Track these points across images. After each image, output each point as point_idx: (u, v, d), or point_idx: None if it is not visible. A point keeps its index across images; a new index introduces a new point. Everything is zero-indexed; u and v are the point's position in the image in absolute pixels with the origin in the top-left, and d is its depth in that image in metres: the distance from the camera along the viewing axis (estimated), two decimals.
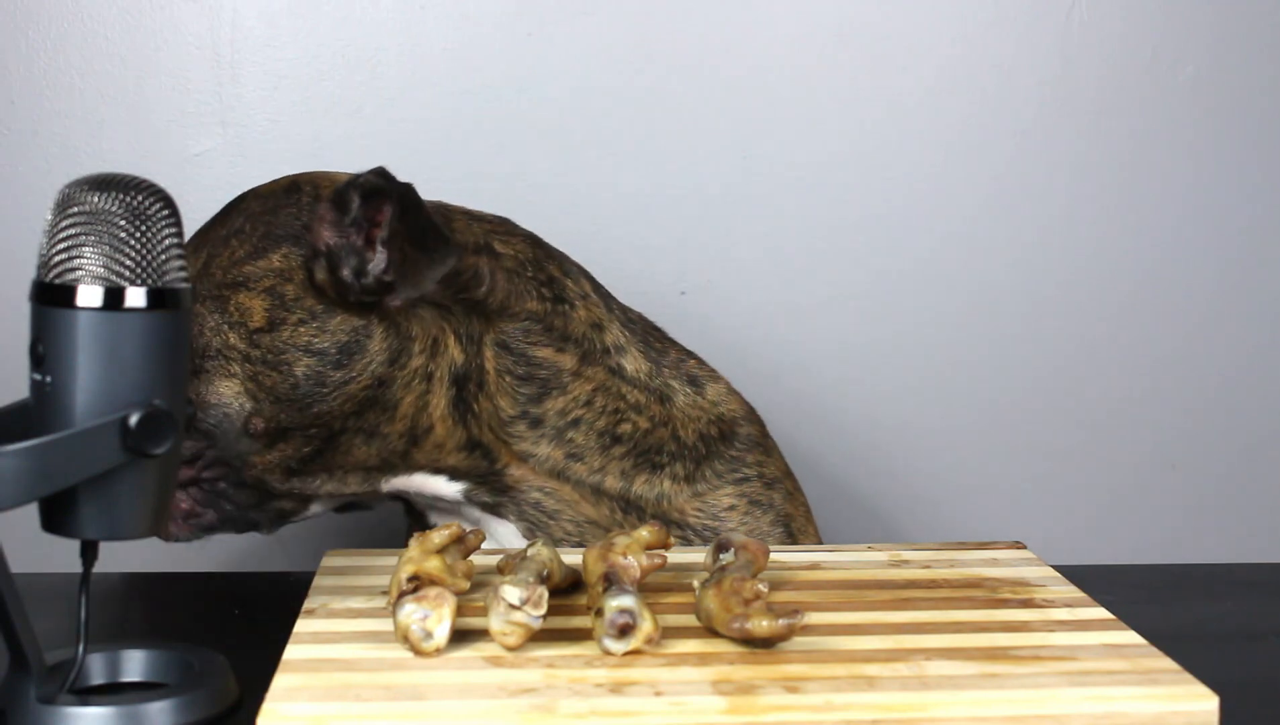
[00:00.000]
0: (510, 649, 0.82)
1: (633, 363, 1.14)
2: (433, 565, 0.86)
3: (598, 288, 1.16)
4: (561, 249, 1.19)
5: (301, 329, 1.02)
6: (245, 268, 1.03)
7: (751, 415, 1.19)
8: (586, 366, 1.11)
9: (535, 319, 1.10)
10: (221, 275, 1.04)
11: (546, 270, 1.13)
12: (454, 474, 1.09)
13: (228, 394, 1.02)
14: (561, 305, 1.12)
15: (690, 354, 1.19)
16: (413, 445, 1.07)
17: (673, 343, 1.19)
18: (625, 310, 1.17)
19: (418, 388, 1.05)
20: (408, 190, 1.02)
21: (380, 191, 1.01)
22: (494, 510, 1.11)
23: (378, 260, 1.02)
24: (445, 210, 1.11)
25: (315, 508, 1.09)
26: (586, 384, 1.11)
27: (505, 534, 1.12)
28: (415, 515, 1.18)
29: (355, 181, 1.02)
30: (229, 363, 1.02)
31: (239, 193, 1.10)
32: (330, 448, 1.05)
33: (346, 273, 1.02)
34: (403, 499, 1.14)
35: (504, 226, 1.14)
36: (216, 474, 1.04)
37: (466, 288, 1.07)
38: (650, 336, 1.17)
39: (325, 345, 1.02)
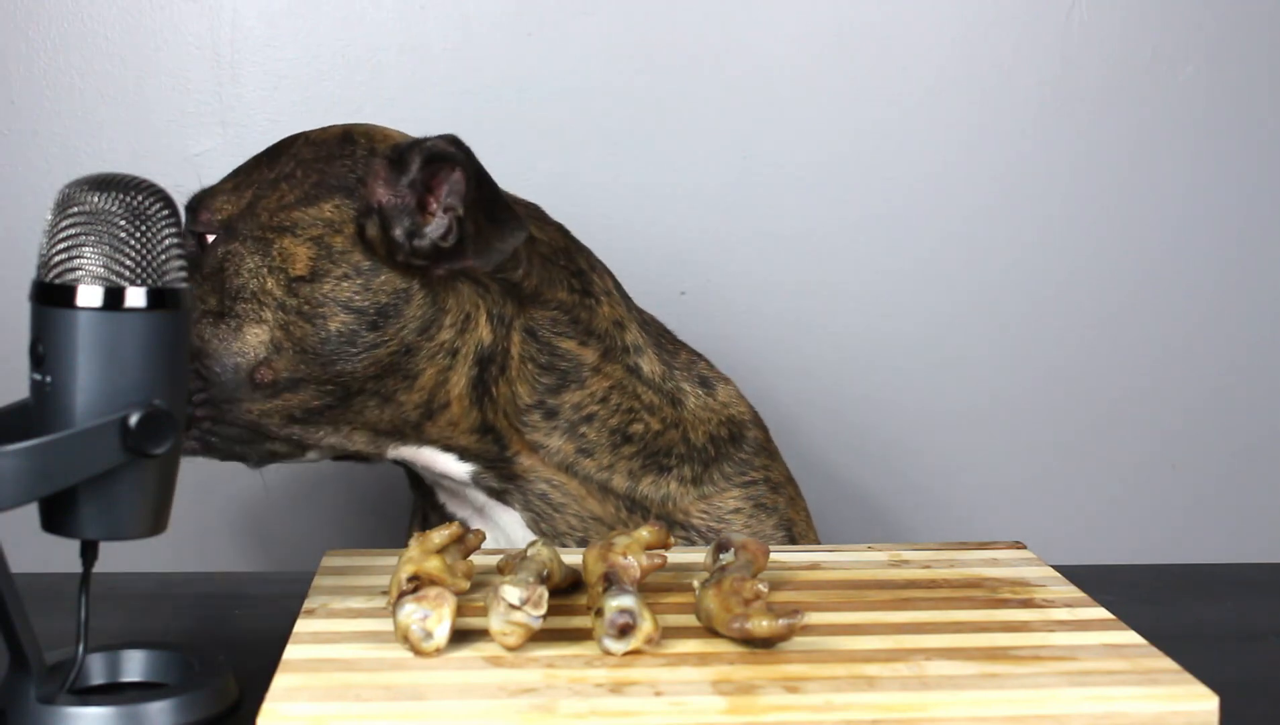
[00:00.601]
0: (510, 649, 0.82)
1: (649, 364, 1.13)
2: (433, 565, 0.86)
3: (619, 286, 1.16)
4: None
5: (345, 284, 1.02)
6: (294, 214, 1.03)
7: (757, 419, 1.19)
8: (606, 363, 1.11)
9: (564, 309, 1.10)
10: (268, 217, 1.03)
11: (576, 262, 1.13)
12: (464, 454, 1.09)
13: (252, 342, 1.01)
14: (588, 299, 1.12)
15: (700, 356, 1.19)
16: (426, 418, 1.06)
17: (683, 345, 1.19)
18: (641, 311, 1.18)
19: (441, 362, 1.05)
20: (476, 160, 1.02)
21: (443, 157, 1.02)
22: (500, 496, 1.11)
23: (436, 225, 1.02)
24: None
25: (312, 455, 1.08)
26: (604, 381, 1.11)
27: (509, 522, 1.11)
28: (422, 490, 1.18)
29: (420, 144, 1.02)
30: (261, 308, 1.01)
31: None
32: (343, 405, 1.04)
33: (399, 233, 1.02)
34: (409, 470, 1.14)
35: (537, 213, 1.15)
36: (205, 414, 1.03)
37: (504, 268, 1.07)
38: (663, 338, 1.18)
39: (365, 304, 1.02)
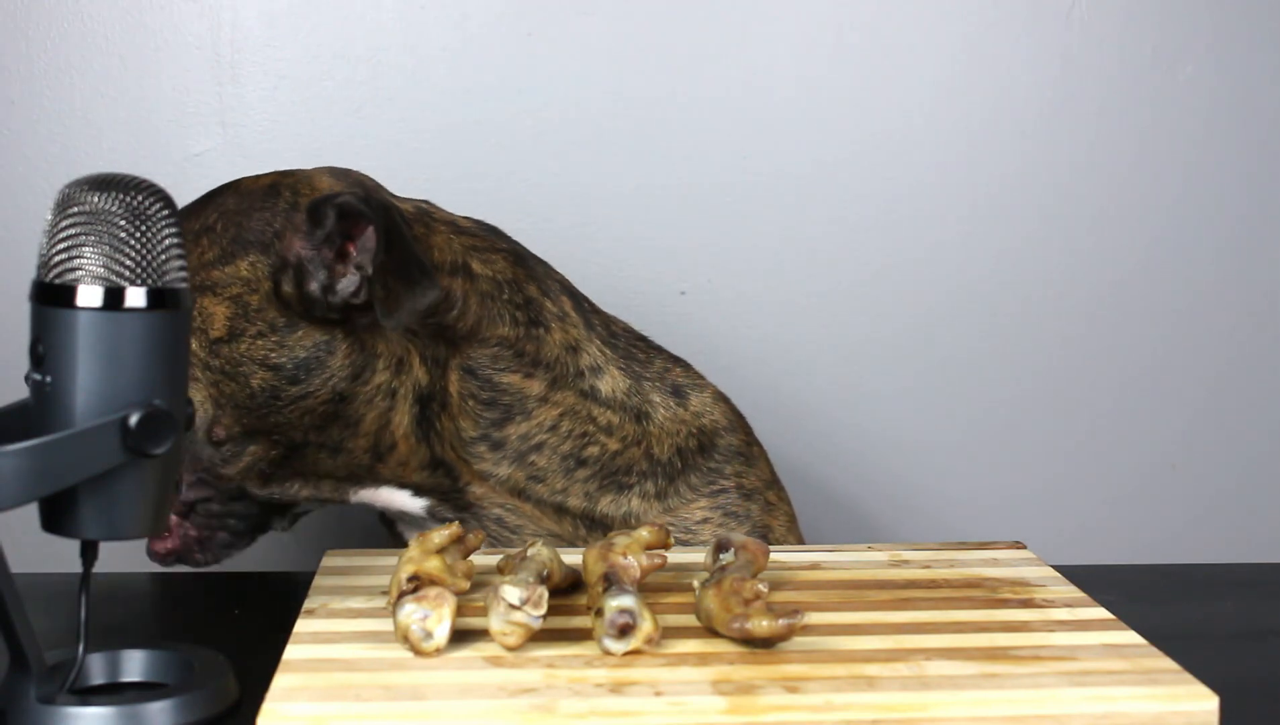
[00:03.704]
0: (510, 649, 0.82)
1: (609, 383, 1.12)
2: (433, 565, 0.86)
3: (579, 305, 1.14)
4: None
5: (260, 342, 1.01)
6: (213, 272, 1.02)
7: (736, 423, 1.18)
8: (556, 391, 1.10)
9: (506, 344, 1.08)
10: (189, 275, 1.02)
11: (524, 292, 1.11)
12: (418, 490, 1.09)
13: (197, 398, 1.01)
14: (536, 329, 1.10)
15: (676, 361, 1.17)
16: (378, 460, 1.06)
17: (659, 351, 1.17)
18: (609, 323, 1.16)
19: (380, 405, 1.04)
20: (390, 218, 1.00)
21: (356, 214, 1.00)
22: None
23: (348, 282, 1.01)
24: (428, 220, 1.09)
25: (303, 508, 1.10)
26: (553, 409, 1.10)
27: None
28: (387, 523, 1.17)
29: (333, 199, 1.01)
30: (192, 368, 1.01)
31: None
32: (297, 456, 1.04)
33: (314, 287, 1.01)
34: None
35: (487, 241, 1.12)
36: (203, 495, 1.05)
37: (436, 312, 1.06)
38: (634, 348, 1.16)
39: (282, 360, 1.01)
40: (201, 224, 1.04)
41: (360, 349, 1.03)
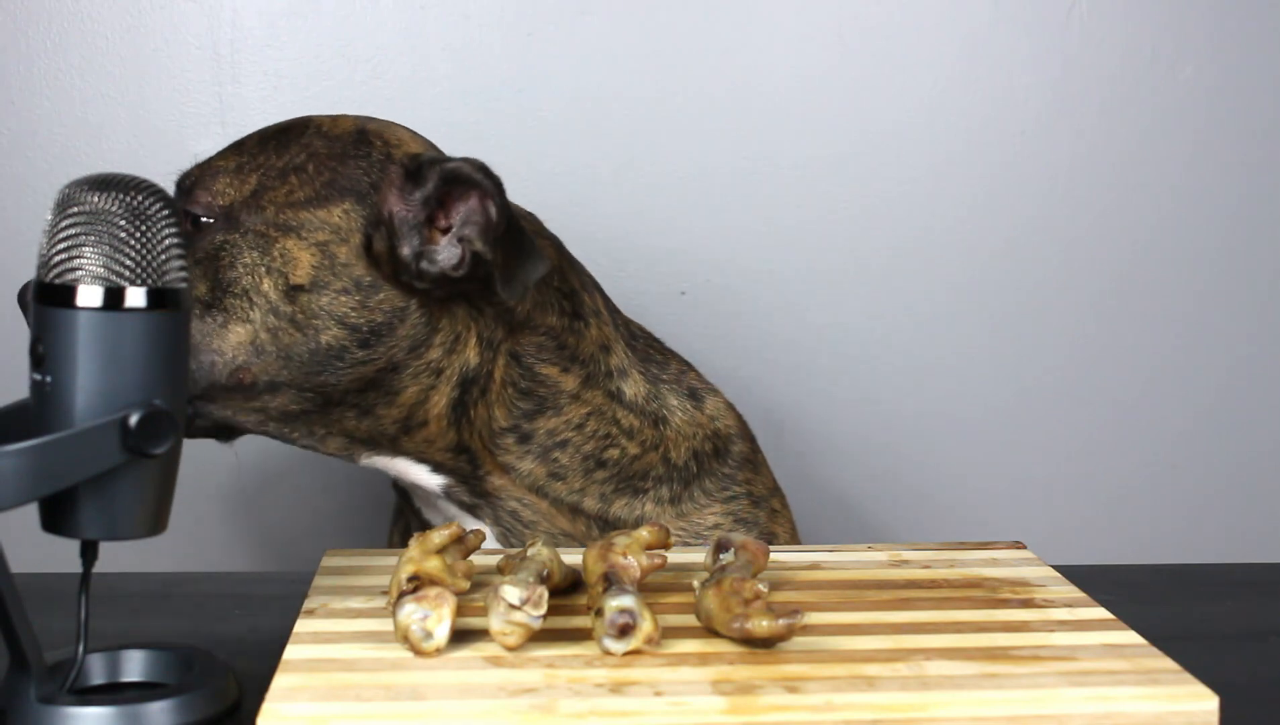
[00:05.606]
0: (510, 649, 0.82)
1: (633, 387, 1.12)
2: (433, 565, 0.86)
3: (608, 303, 1.14)
4: None
5: (343, 298, 0.99)
6: (302, 213, 0.99)
7: (744, 431, 1.18)
8: (587, 389, 1.09)
9: (551, 335, 1.08)
10: (274, 213, 0.99)
11: (569, 282, 1.11)
12: (438, 468, 1.08)
13: (233, 341, 0.99)
14: (577, 322, 1.10)
15: (689, 366, 1.18)
16: (404, 433, 1.05)
17: (673, 354, 1.18)
18: (629, 325, 1.16)
19: (425, 381, 1.03)
20: (503, 191, 0.99)
21: (466, 181, 0.98)
22: (471, 510, 1.10)
23: (448, 253, 0.99)
24: None
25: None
26: (582, 408, 1.09)
27: None
28: (401, 491, 1.17)
29: (442, 162, 0.99)
30: (251, 307, 0.98)
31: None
32: (321, 413, 1.03)
33: (407, 252, 0.99)
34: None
35: (535, 226, 1.12)
36: None
37: None
38: (651, 350, 1.16)
39: (359, 322, 1.00)
40: (287, 162, 1.01)
41: (426, 322, 1.01)
